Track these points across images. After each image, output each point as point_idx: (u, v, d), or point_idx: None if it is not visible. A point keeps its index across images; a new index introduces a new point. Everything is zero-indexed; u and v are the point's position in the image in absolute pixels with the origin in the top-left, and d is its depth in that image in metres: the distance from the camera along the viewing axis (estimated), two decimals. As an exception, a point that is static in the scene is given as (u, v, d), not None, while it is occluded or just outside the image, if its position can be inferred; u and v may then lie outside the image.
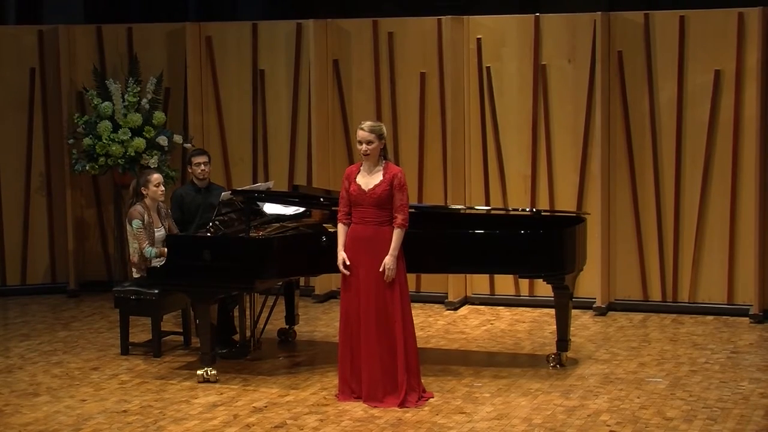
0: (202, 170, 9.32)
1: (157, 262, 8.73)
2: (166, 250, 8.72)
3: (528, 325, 9.93)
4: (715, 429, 7.10)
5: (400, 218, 7.67)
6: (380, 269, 7.62)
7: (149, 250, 8.86)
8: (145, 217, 8.94)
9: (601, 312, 10.26)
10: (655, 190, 10.26)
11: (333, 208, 8.29)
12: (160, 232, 8.96)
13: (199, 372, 8.30)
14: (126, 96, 10.87)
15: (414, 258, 7.92)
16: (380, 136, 7.70)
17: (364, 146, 7.68)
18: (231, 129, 11.30)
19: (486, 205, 10.51)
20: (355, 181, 7.74)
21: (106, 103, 10.86)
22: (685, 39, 10.08)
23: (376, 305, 7.65)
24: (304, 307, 10.33)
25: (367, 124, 7.74)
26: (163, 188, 9.07)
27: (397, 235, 7.66)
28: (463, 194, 10.65)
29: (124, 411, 7.65)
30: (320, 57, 10.86)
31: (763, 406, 7.56)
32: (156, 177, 9.04)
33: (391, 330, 7.65)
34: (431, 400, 7.78)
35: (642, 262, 10.34)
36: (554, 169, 10.50)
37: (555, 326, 8.65)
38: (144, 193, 8.99)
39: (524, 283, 10.60)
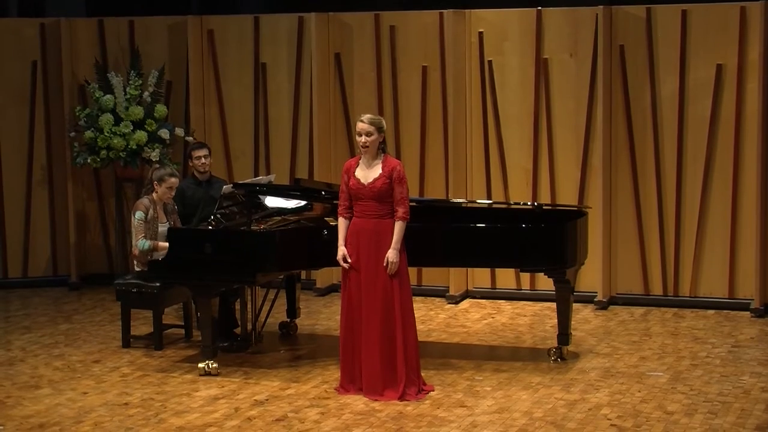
0: (202, 163, 9.33)
1: (159, 256, 8.73)
2: (161, 244, 8.75)
3: (529, 319, 9.93)
4: (715, 423, 7.11)
5: (401, 211, 7.67)
6: (383, 263, 7.63)
7: (142, 243, 8.86)
8: (150, 211, 8.94)
9: (602, 306, 10.27)
10: (657, 184, 10.26)
11: (334, 202, 8.28)
12: (163, 228, 8.95)
13: (200, 365, 8.31)
14: (127, 89, 10.87)
15: (415, 252, 7.92)
16: (380, 129, 7.70)
17: (363, 138, 7.68)
18: (232, 122, 11.30)
19: (487, 199, 10.51)
20: (354, 175, 7.73)
21: (108, 96, 10.86)
22: (687, 33, 10.07)
23: (376, 298, 7.66)
24: (305, 300, 10.34)
25: (366, 116, 7.74)
26: (173, 194, 9.06)
27: (398, 228, 7.66)
28: (465, 188, 10.65)
29: (126, 404, 7.66)
30: (322, 50, 10.86)
31: (763, 400, 7.56)
32: (173, 181, 9.01)
33: (391, 323, 7.66)
34: (432, 393, 7.79)
35: (643, 256, 10.34)
36: (556, 163, 10.50)
37: (556, 320, 8.66)
38: (156, 187, 8.99)
39: (525, 276, 10.60)
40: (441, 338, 9.33)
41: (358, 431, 7.07)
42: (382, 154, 7.74)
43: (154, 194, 9.01)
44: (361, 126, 7.70)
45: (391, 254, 7.64)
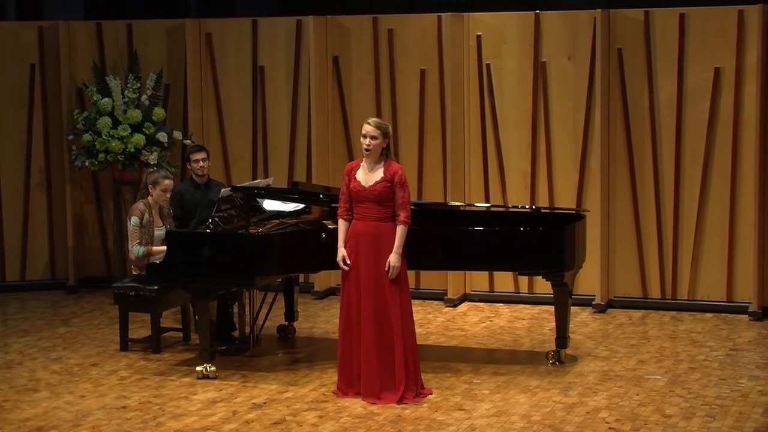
0: (201, 167, 9.33)
1: (156, 259, 8.73)
2: (155, 249, 8.75)
3: (527, 322, 9.93)
4: (713, 426, 7.11)
5: (402, 215, 7.67)
6: (385, 267, 7.62)
7: (137, 249, 8.86)
8: (146, 215, 8.94)
9: (601, 309, 10.26)
10: (655, 187, 10.26)
11: (332, 205, 8.29)
12: (160, 231, 8.96)
13: (198, 368, 8.30)
14: (126, 92, 10.87)
15: (414, 255, 7.91)
16: (385, 135, 7.70)
17: (367, 140, 7.67)
18: (231, 126, 11.30)
19: (486, 202, 10.51)
20: (355, 178, 7.73)
21: (106, 99, 10.85)
22: (685, 36, 10.08)
23: (375, 301, 7.66)
24: (303, 303, 10.33)
25: (374, 120, 7.75)
26: (168, 196, 9.07)
27: (400, 232, 7.66)
28: (463, 191, 10.66)
29: (124, 407, 7.65)
30: (320, 54, 10.86)
31: (761, 403, 7.56)
32: (167, 183, 9.02)
33: (389, 326, 7.65)
34: (430, 396, 7.78)
35: (641, 260, 10.34)
36: (554, 166, 10.50)
37: (554, 323, 8.65)
38: (150, 191, 8.99)
39: (523, 280, 10.60)
40: (439, 341, 9.33)
41: (356, 434, 7.08)
42: (385, 159, 7.74)
43: (150, 198, 9.01)
44: (366, 128, 7.70)
45: (393, 258, 7.64)
